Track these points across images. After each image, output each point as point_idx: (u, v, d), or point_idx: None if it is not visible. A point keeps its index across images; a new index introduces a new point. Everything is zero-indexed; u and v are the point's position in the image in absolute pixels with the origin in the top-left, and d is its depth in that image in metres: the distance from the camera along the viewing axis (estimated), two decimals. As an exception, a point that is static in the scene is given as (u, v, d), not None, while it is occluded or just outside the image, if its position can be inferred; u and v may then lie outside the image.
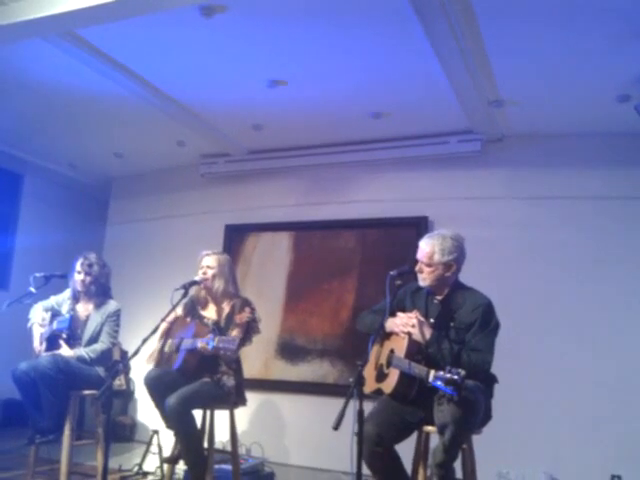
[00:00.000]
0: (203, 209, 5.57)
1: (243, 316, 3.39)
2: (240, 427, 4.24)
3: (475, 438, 2.70)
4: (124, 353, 4.35)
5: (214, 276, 3.48)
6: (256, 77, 3.88)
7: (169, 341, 3.51)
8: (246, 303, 3.48)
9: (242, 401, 3.50)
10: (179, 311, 3.53)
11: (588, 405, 3.94)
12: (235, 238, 5.38)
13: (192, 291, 3.47)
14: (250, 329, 3.43)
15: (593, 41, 3.19)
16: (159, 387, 3.28)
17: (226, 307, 3.49)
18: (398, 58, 3.54)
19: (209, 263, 3.50)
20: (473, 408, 2.43)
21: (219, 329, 3.39)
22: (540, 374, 4.08)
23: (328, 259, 4.98)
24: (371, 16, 3.11)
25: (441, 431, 2.43)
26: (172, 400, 3.13)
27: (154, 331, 3.02)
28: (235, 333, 3.35)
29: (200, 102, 4.34)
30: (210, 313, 3.53)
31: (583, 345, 4.04)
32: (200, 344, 3.14)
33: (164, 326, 3.43)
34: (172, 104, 4.34)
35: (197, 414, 3.31)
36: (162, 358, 3.53)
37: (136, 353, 2.79)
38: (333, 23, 3.20)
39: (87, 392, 3.55)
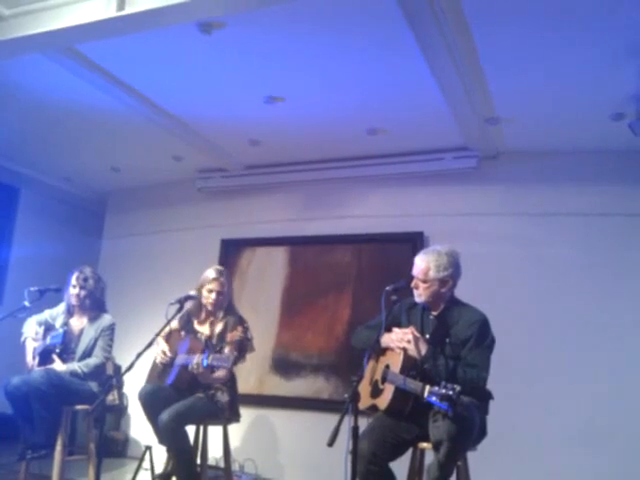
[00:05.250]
0: (199, 224, 5.57)
1: (235, 334, 3.39)
2: (233, 443, 4.21)
3: (470, 455, 2.68)
4: (117, 368, 4.33)
5: (221, 301, 3.49)
6: (254, 93, 3.90)
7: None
8: (239, 321, 3.49)
9: (236, 417, 3.48)
10: (175, 324, 3.53)
11: (585, 422, 3.93)
12: (231, 253, 5.37)
13: (189, 304, 3.47)
14: (243, 347, 3.43)
15: (588, 59, 3.23)
16: (153, 402, 3.26)
17: (220, 324, 3.49)
18: (394, 75, 3.57)
19: (219, 288, 3.48)
20: (468, 425, 2.42)
21: (212, 346, 3.38)
22: (536, 391, 4.06)
23: (324, 274, 4.97)
24: (367, 34, 3.14)
25: (436, 447, 2.42)
26: (165, 416, 3.11)
27: (148, 346, 3.01)
28: (226, 351, 3.34)
29: (197, 117, 4.36)
30: (205, 329, 3.52)
31: (580, 361, 4.03)
32: (195, 361, 3.14)
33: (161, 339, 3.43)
34: (170, 119, 4.36)
35: (190, 430, 3.29)
36: (155, 372, 3.51)
37: (130, 368, 2.77)
38: (330, 41, 3.23)
39: (80, 407, 3.53)
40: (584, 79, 3.44)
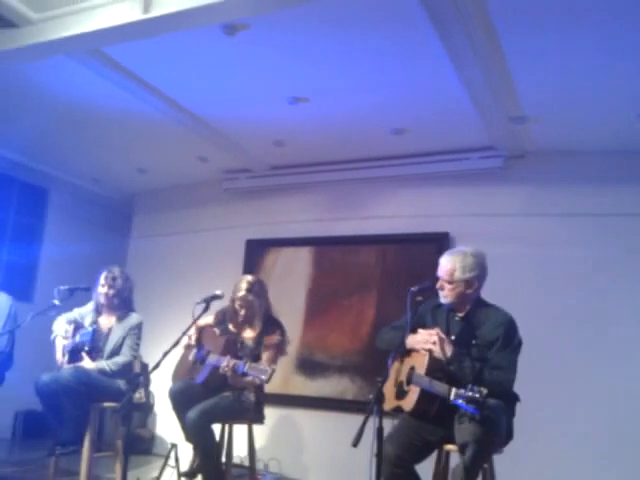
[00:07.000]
0: (225, 224, 5.61)
1: (273, 338, 3.42)
2: (258, 442, 4.22)
3: (496, 458, 2.65)
4: (144, 366, 4.38)
5: (251, 315, 3.49)
6: (278, 94, 3.91)
7: (194, 350, 3.51)
8: (276, 325, 3.50)
9: (260, 418, 3.49)
10: (209, 320, 3.55)
11: (612, 424, 3.85)
12: (256, 253, 5.40)
13: (226, 301, 3.47)
14: (277, 351, 3.45)
15: (616, 58, 3.17)
16: (182, 400, 3.29)
17: (257, 327, 3.49)
18: (418, 74, 3.55)
19: (247, 305, 3.46)
20: (495, 427, 2.39)
21: (249, 349, 3.41)
22: (562, 393, 4.00)
23: (348, 275, 4.97)
24: (391, 33, 3.13)
25: (462, 450, 2.39)
26: (192, 414, 3.14)
27: (175, 344, 3.04)
28: (265, 356, 3.37)
29: (223, 119, 4.39)
30: (240, 330, 3.53)
31: (606, 364, 3.95)
32: (228, 364, 3.15)
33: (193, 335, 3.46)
34: (195, 120, 4.40)
35: (216, 428, 3.31)
36: (183, 367, 3.53)
37: (157, 366, 2.80)
38: (353, 41, 3.23)
39: (107, 404, 3.57)
40: (612, 78, 3.37)
